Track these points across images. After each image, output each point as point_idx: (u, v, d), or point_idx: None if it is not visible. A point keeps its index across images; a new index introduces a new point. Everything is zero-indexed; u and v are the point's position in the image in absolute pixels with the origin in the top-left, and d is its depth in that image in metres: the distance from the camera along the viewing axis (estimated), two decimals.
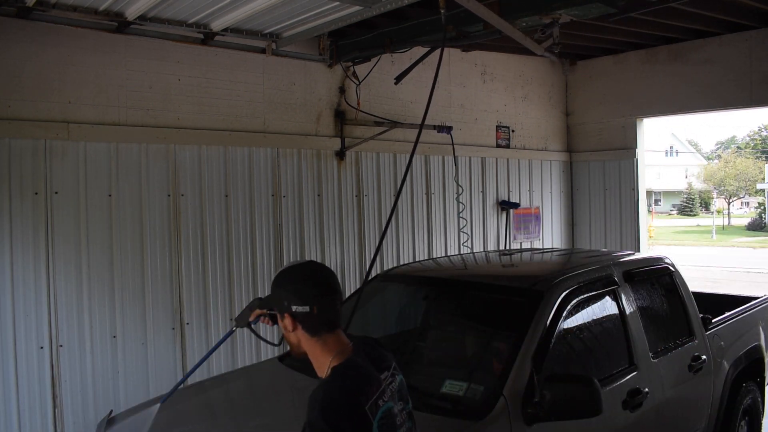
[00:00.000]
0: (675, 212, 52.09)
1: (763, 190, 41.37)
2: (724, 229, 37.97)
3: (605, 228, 7.87)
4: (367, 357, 1.85)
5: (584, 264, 3.76)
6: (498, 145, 7.27)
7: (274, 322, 1.97)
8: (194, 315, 4.79)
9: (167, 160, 4.68)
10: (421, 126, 3.20)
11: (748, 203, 52.54)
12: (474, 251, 6.67)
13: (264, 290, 5.20)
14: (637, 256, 4.58)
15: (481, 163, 7.04)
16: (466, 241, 6.69)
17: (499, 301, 3.40)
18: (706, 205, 49.44)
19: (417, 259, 6.26)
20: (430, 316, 3.78)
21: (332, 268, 5.82)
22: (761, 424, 4.50)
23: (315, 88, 5.58)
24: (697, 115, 35.47)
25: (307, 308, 1.82)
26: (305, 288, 1.85)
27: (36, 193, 4.12)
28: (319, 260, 5.53)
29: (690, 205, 50.63)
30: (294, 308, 1.83)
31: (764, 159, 48.61)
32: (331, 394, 1.69)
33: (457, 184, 6.59)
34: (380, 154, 6.04)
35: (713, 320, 4.14)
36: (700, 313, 4.05)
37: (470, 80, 6.95)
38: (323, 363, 1.82)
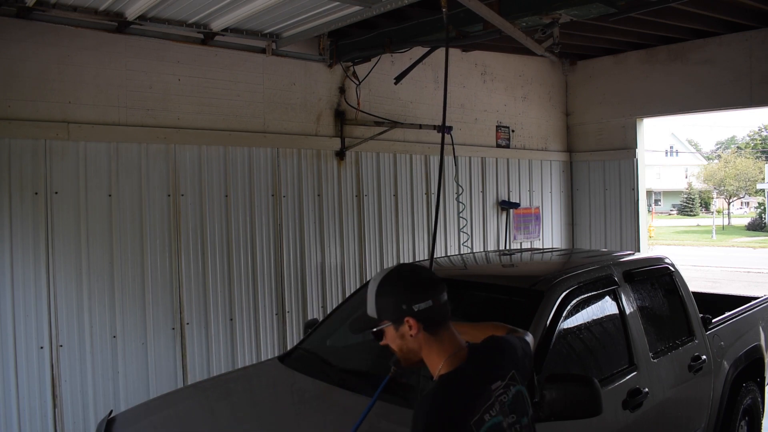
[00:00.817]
0: (675, 212, 52.10)
1: (763, 190, 41.35)
2: (724, 229, 37.97)
3: (605, 228, 7.87)
4: (481, 363, 1.78)
5: (584, 264, 3.76)
6: (498, 145, 7.27)
7: (379, 339, 1.85)
8: (194, 315, 4.79)
9: (167, 160, 4.68)
10: (444, 126, 3.17)
11: (748, 203, 52.55)
12: (474, 251, 6.67)
13: (264, 290, 5.20)
14: (637, 256, 4.57)
15: (481, 163, 7.04)
16: (466, 241, 6.69)
17: (499, 301, 3.40)
18: (706, 205, 49.44)
19: (417, 259, 6.26)
20: None
21: (332, 269, 5.84)
22: (761, 424, 4.50)
23: (315, 88, 5.58)
24: (697, 115, 35.48)
25: (429, 302, 1.76)
26: (419, 284, 1.80)
27: (36, 193, 4.12)
28: (319, 260, 5.53)
29: (690, 205, 50.63)
30: (416, 307, 1.75)
31: (764, 159, 48.59)
32: (434, 409, 1.64)
33: (457, 184, 6.59)
34: (380, 154, 6.04)
35: (713, 320, 4.14)
36: (700, 313, 4.05)
37: (470, 80, 6.95)
38: (436, 364, 1.76)
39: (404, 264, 1.95)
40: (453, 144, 6.33)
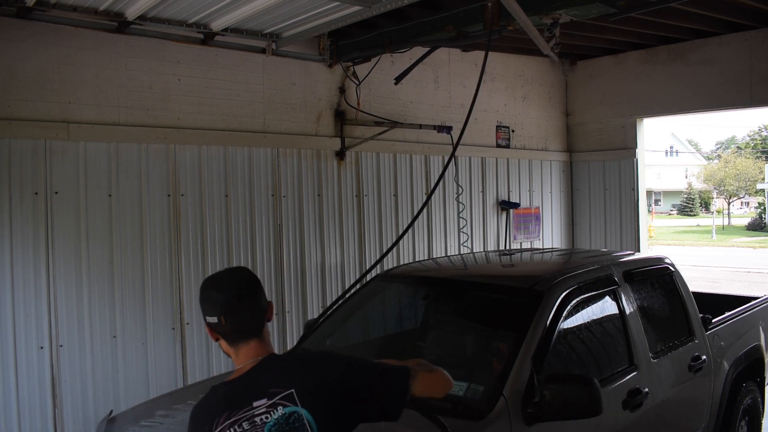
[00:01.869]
0: (675, 212, 52.10)
1: (763, 190, 41.32)
2: (724, 229, 37.96)
3: (605, 228, 7.87)
4: (255, 378, 1.78)
5: (584, 264, 3.76)
6: (498, 145, 7.27)
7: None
8: (194, 315, 4.79)
9: (167, 160, 4.68)
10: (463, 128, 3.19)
11: (748, 203, 52.53)
12: (474, 251, 6.67)
13: (265, 290, 5.19)
14: (637, 256, 4.58)
15: (481, 163, 7.03)
16: (466, 241, 6.69)
17: (499, 301, 3.40)
18: (706, 205, 49.43)
19: (417, 259, 6.26)
20: (430, 316, 3.78)
21: (332, 269, 5.82)
22: (761, 424, 4.50)
23: (315, 88, 5.58)
24: (697, 115, 35.48)
25: (215, 319, 1.80)
26: (212, 297, 1.83)
27: (36, 193, 4.12)
28: (319, 260, 5.53)
29: (690, 205, 50.62)
30: (207, 319, 1.82)
31: (764, 159, 48.55)
32: (191, 414, 1.81)
33: (457, 184, 6.59)
34: (380, 154, 6.04)
35: (713, 320, 4.14)
36: (700, 313, 4.05)
37: (470, 80, 6.94)
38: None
39: (228, 269, 2.02)
40: (453, 144, 6.33)
